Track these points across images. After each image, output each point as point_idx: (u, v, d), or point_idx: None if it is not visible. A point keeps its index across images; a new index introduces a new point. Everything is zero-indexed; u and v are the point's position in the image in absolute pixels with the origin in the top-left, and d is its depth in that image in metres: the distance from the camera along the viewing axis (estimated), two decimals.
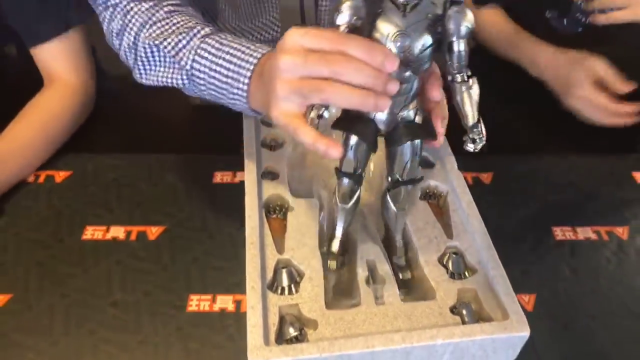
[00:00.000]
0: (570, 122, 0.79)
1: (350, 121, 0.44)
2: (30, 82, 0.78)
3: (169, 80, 0.58)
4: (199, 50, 0.54)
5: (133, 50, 0.59)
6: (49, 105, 0.75)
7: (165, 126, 0.82)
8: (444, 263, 0.51)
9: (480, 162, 0.71)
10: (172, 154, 0.75)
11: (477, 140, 0.43)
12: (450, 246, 0.52)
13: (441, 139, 0.48)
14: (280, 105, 0.42)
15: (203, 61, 0.54)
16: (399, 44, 0.39)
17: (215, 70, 0.54)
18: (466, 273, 0.50)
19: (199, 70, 0.55)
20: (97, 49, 0.86)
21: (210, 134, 0.80)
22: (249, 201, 0.54)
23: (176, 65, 0.57)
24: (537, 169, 0.74)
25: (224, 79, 0.53)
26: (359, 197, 0.49)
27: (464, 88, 0.43)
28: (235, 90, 0.53)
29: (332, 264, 0.52)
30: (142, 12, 0.59)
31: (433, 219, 0.54)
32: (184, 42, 0.56)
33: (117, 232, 0.64)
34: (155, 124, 0.83)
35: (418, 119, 0.46)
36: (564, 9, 0.83)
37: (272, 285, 0.48)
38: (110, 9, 0.60)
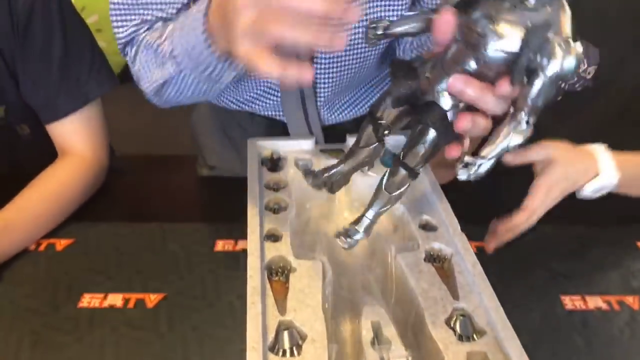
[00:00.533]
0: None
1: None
2: (44, 160, 0.79)
3: (162, 75, 0.63)
4: (170, 32, 0.61)
5: (137, 61, 0.66)
6: (61, 176, 0.76)
7: (170, 196, 0.83)
8: (452, 325, 0.49)
9: (484, 231, 0.71)
10: (175, 223, 0.75)
11: (473, 171, 0.42)
12: (457, 308, 0.51)
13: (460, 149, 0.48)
14: (241, 43, 0.42)
15: (175, 33, 0.60)
16: None
17: (182, 34, 0.58)
18: (475, 335, 0.48)
19: (176, 47, 0.59)
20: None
21: (214, 203, 0.80)
22: (251, 261, 0.53)
23: (165, 58, 0.62)
24: (543, 237, 0.73)
25: (188, 35, 0.56)
26: (404, 191, 0.51)
27: (512, 126, 0.41)
28: (197, 35, 0.55)
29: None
30: (148, 32, 0.67)
31: (438, 280, 0.53)
32: (166, 32, 0.62)
33: (115, 299, 0.63)
34: (160, 194, 0.83)
35: (451, 115, 0.45)
36: None
37: (274, 348, 0.46)
38: (134, 62, 0.69)
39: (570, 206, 0.68)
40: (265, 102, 0.83)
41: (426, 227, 0.61)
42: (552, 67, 0.38)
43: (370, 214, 0.52)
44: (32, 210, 0.71)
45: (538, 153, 0.67)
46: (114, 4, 0.67)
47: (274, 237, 0.58)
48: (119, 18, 0.67)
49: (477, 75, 0.43)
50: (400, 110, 0.50)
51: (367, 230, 0.52)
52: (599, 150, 0.68)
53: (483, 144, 0.43)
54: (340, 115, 0.86)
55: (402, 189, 0.51)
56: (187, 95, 0.67)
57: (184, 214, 0.78)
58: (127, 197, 0.83)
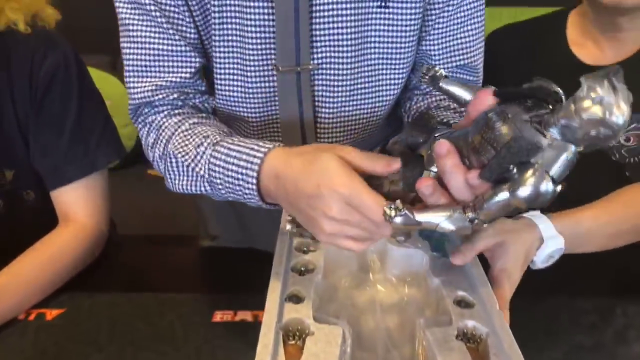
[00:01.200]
0: (597, 266, 0.76)
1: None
2: (47, 227, 0.78)
3: (194, 189, 0.63)
4: (211, 159, 0.60)
5: (163, 161, 0.66)
6: (58, 243, 0.75)
7: (169, 267, 0.81)
8: None
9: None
10: (172, 293, 0.72)
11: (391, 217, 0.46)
12: None
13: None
14: (325, 236, 0.52)
15: (216, 169, 0.59)
16: None
17: (227, 175, 0.58)
18: None
19: (215, 177, 0.60)
20: None
21: (214, 273, 0.78)
22: (266, 319, 0.50)
23: (197, 176, 0.62)
24: (561, 310, 0.69)
25: (236, 181, 0.58)
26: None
27: (454, 212, 0.45)
28: (247, 190, 0.58)
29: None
30: (171, 124, 0.66)
31: None
32: (200, 152, 0.61)
33: None
34: (158, 265, 0.82)
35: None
36: None
37: None
38: (148, 126, 0.68)
39: (590, 278, 0.65)
40: None
41: (462, 303, 0.57)
42: (521, 190, 0.39)
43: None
44: (25, 277, 0.68)
45: (485, 242, 0.64)
46: (127, 65, 0.69)
47: (295, 299, 0.55)
48: (132, 79, 0.69)
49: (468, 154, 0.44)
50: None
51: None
52: (538, 218, 0.67)
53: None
54: None
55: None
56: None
57: (183, 284, 0.76)
58: (124, 267, 0.81)
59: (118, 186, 0.93)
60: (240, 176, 0.57)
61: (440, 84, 0.50)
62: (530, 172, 0.39)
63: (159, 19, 0.65)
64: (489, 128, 0.41)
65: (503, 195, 0.41)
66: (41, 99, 0.76)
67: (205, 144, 0.61)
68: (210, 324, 0.66)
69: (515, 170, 0.40)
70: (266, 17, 0.65)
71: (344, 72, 0.70)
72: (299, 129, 0.74)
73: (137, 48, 0.67)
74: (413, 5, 0.67)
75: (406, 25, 0.69)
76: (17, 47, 0.76)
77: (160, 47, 0.67)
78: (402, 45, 0.70)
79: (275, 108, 0.73)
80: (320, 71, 0.69)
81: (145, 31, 0.66)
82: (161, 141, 0.66)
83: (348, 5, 0.65)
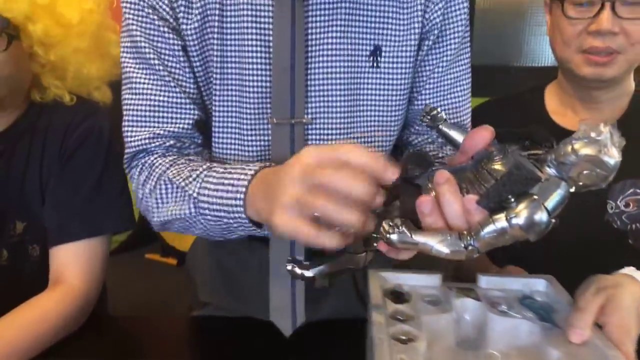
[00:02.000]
0: None
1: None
2: (45, 285, 0.79)
3: (178, 212, 0.65)
4: (204, 177, 0.63)
5: (152, 194, 0.68)
6: (44, 307, 0.74)
7: (159, 335, 0.80)
8: None
9: None
10: None
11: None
12: None
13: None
14: (282, 213, 0.48)
15: (207, 185, 0.62)
16: None
17: (218, 189, 0.61)
18: None
19: (204, 195, 0.62)
20: None
21: (205, 342, 0.78)
22: None
23: (185, 196, 0.64)
24: None
25: (225, 194, 0.60)
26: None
27: (451, 237, 0.46)
28: (236, 200, 0.59)
29: None
30: (166, 162, 0.69)
31: None
32: (194, 174, 0.65)
33: None
34: (148, 334, 0.81)
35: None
36: None
37: None
38: (140, 166, 0.71)
39: None
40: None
41: None
42: (518, 218, 0.43)
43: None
44: (6, 339, 0.68)
45: (595, 303, 0.60)
46: (127, 115, 0.71)
47: None
48: (130, 129, 0.71)
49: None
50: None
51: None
52: (634, 272, 0.66)
53: None
54: None
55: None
56: (192, 233, 0.69)
57: (172, 352, 0.75)
58: (112, 335, 0.80)
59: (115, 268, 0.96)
60: (230, 187, 0.60)
61: (440, 126, 0.53)
62: (527, 201, 0.43)
63: (161, 72, 0.69)
64: (489, 160, 0.46)
65: (500, 223, 0.44)
66: (67, 159, 0.82)
67: (200, 168, 0.65)
68: None
69: (513, 200, 0.44)
70: (264, 71, 0.69)
71: (337, 127, 0.72)
72: None
73: (138, 98, 0.71)
74: (403, 66, 0.72)
75: (397, 85, 0.72)
76: (57, 112, 0.83)
77: (161, 98, 0.70)
78: (393, 103, 0.73)
79: (268, 161, 0.75)
80: (313, 125, 0.71)
81: (147, 82, 0.70)
82: (153, 176, 0.68)
83: (342, 63, 0.69)
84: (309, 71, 0.69)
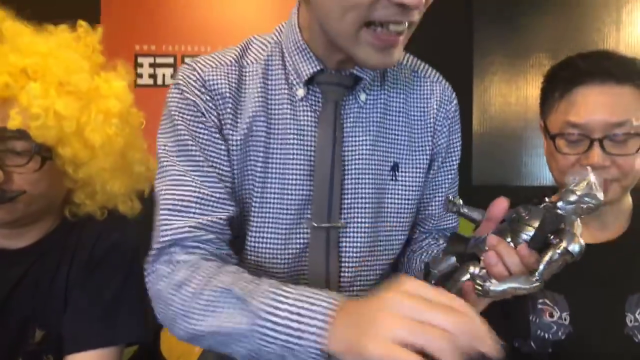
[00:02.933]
0: None
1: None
2: None
3: (231, 325, 0.60)
4: (271, 295, 0.59)
5: (197, 298, 0.64)
6: None
7: None
8: None
9: None
10: None
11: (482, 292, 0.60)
12: None
13: None
14: (382, 337, 0.48)
15: (275, 303, 0.58)
16: None
17: (289, 310, 0.57)
18: None
19: (269, 313, 0.58)
20: None
21: None
22: None
23: (244, 308, 0.60)
24: None
25: (297, 318, 0.56)
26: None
27: (523, 277, 0.61)
28: (312, 328, 0.55)
29: None
30: (212, 265, 0.68)
31: None
32: (255, 287, 0.62)
33: None
34: None
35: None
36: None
37: None
38: (174, 264, 0.69)
39: None
40: None
41: None
42: (572, 246, 0.58)
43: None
44: None
45: None
46: (166, 204, 0.72)
47: None
48: (168, 218, 0.71)
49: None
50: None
51: None
52: None
53: None
54: None
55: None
56: (230, 350, 0.64)
57: None
58: None
59: None
60: (306, 311, 0.56)
61: (461, 209, 0.71)
62: (567, 235, 0.59)
63: (205, 168, 0.74)
64: (520, 217, 0.63)
65: (555, 255, 0.59)
66: (93, 270, 0.86)
67: (261, 282, 0.63)
68: None
69: (552, 237, 0.60)
70: (305, 181, 0.77)
71: (365, 231, 0.80)
72: (323, 282, 0.79)
73: (179, 189, 0.72)
74: (416, 180, 0.84)
75: (411, 195, 0.84)
76: (88, 225, 0.89)
77: (203, 190, 0.73)
78: (408, 210, 0.85)
79: (303, 261, 0.79)
80: (346, 229, 0.79)
81: (189, 175, 0.73)
82: (199, 278, 0.66)
83: (370, 176, 0.80)
84: (344, 181, 0.79)
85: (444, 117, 0.85)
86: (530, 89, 2.48)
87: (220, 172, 0.75)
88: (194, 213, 0.72)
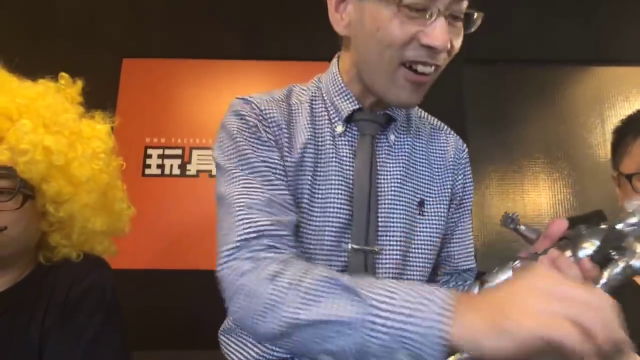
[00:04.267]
0: None
1: None
2: None
3: (339, 311, 0.58)
4: (380, 285, 0.59)
5: (294, 289, 0.62)
6: None
7: None
8: None
9: None
10: None
11: None
12: None
13: None
14: (535, 311, 0.49)
15: (388, 293, 0.57)
16: None
17: (405, 299, 0.56)
18: None
19: (383, 302, 0.57)
20: None
21: None
22: None
23: (353, 297, 0.58)
24: None
25: (416, 306, 0.55)
26: None
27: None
28: (433, 315, 0.54)
29: None
30: (302, 262, 0.70)
31: None
32: (360, 280, 0.61)
33: None
34: None
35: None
36: None
37: None
38: (257, 261, 0.69)
39: None
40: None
41: None
42: (635, 262, 0.61)
43: None
44: None
45: None
46: (242, 203, 0.75)
47: None
48: (247, 214, 0.74)
49: None
50: None
51: None
52: None
53: None
54: None
55: None
56: (320, 348, 0.61)
57: None
58: None
59: None
60: (423, 299, 0.55)
61: (518, 227, 0.74)
62: (630, 251, 0.61)
63: (270, 177, 0.80)
64: (580, 234, 0.66)
65: (617, 268, 0.61)
66: (71, 310, 0.85)
67: (368, 278, 0.62)
68: None
69: (614, 253, 0.63)
70: (344, 207, 0.84)
71: (396, 258, 0.86)
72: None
73: (251, 192, 0.77)
74: (440, 216, 0.94)
75: (436, 229, 0.93)
76: (63, 268, 0.89)
77: (273, 193, 0.78)
78: (433, 242, 0.93)
79: None
80: (380, 255, 0.85)
81: (257, 181, 0.79)
82: (292, 271, 0.65)
83: (400, 210, 0.88)
84: (377, 210, 0.86)
85: (459, 162, 0.98)
86: (527, 194, 2.50)
87: (283, 183, 0.81)
88: (270, 212, 0.76)
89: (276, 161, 0.82)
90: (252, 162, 0.80)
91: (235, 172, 0.80)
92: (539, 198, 2.48)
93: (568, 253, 0.66)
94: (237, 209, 0.75)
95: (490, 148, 2.52)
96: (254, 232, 0.73)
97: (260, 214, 0.75)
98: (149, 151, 2.35)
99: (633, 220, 0.64)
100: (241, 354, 0.87)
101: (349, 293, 0.59)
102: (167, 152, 2.37)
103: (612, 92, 2.55)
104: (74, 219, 0.88)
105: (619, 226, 0.65)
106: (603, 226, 0.66)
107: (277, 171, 0.82)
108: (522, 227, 0.73)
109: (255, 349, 0.85)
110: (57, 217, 0.87)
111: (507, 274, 0.70)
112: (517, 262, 0.70)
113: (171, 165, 2.36)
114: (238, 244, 0.72)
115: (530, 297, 0.50)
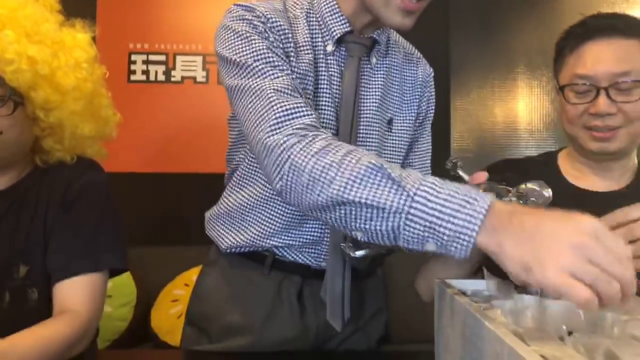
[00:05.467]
0: None
1: None
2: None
3: (381, 198, 0.63)
4: (423, 181, 0.63)
5: (341, 167, 0.66)
6: (54, 327, 0.84)
7: None
8: None
9: None
10: None
11: None
12: None
13: None
14: (560, 267, 0.52)
15: (430, 189, 0.62)
16: None
17: (444, 197, 0.60)
18: None
19: (424, 196, 0.61)
20: None
21: None
22: None
23: (398, 187, 0.63)
24: None
25: (453, 201, 0.60)
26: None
27: None
28: (466, 215, 0.59)
29: None
30: (345, 144, 0.73)
31: None
32: (408, 172, 0.66)
33: None
34: None
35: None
36: None
37: None
38: (311, 137, 0.72)
39: None
40: (313, 249, 0.96)
41: None
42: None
43: None
44: (20, 350, 0.77)
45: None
46: (273, 90, 0.78)
47: None
48: (282, 96, 0.77)
49: None
50: None
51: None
52: None
53: None
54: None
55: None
56: (348, 224, 0.67)
57: None
58: None
59: None
60: (468, 200, 0.59)
61: (458, 170, 0.81)
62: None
63: (292, 74, 0.85)
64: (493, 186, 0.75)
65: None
66: (70, 205, 0.94)
67: (407, 170, 0.67)
68: None
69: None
70: (332, 118, 0.92)
71: None
72: None
73: (275, 81, 0.80)
74: (405, 134, 1.03)
75: (401, 145, 1.02)
76: (59, 170, 0.98)
77: (295, 82, 0.83)
78: (400, 157, 1.03)
79: None
80: None
81: (279, 69, 0.82)
82: (338, 149, 0.69)
83: (376, 125, 0.96)
84: (360, 125, 0.94)
85: (426, 85, 1.06)
86: (505, 103, 2.56)
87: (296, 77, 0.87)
88: (299, 96, 0.79)
89: (287, 60, 0.86)
90: (269, 57, 0.83)
91: (253, 64, 0.82)
92: (517, 106, 2.56)
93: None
94: (269, 93, 0.77)
95: (472, 56, 2.55)
96: (292, 110, 0.75)
97: (292, 97, 0.78)
98: (133, 57, 2.36)
99: (523, 189, 0.72)
100: (231, 237, 0.98)
101: (394, 183, 0.63)
102: (152, 57, 2.38)
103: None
104: (64, 126, 0.94)
105: (513, 199, 0.72)
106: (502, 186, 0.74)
107: (291, 67, 0.86)
108: (460, 171, 0.81)
109: (244, 234, 0.96)
110: (47, 123, 0.93)
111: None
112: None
113: (156, 72, 2.38)
114: (279, 120, 0.74)
115: (566, 251, 0.52)
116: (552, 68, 1.04)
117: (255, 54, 0.83)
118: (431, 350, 0.73)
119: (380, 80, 0.97)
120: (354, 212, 0.66)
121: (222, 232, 0.99)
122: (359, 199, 0.64)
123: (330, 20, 0.92)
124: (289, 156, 0.71)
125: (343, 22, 0.91)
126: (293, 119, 0.75)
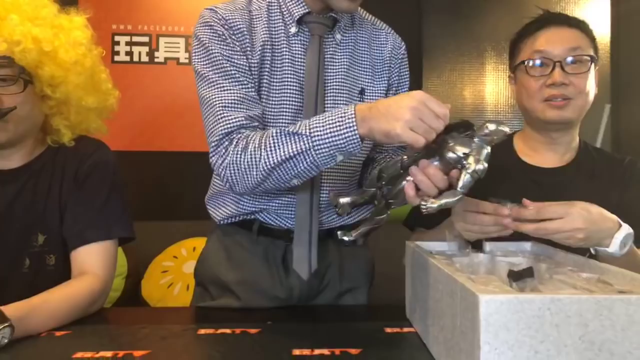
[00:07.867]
0: None
1: None
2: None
3: (290, 151, 0.86)
4: (309, 122, 0.86)
5: (259, 148, 0.89)
6: (78, 286, 0.97)
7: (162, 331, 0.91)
8: None
9: None
10: None
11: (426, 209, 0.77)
12: None
13: None
14: (405, 125, 0.76)
15: (316, 124, 0.85)
16: None
17: (326, 123, 0.84)
18: None
19: (315, 129, 0.84)
20: None
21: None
22: None
23: (296, 137, 0.86)
24: None
25: (335, 123, 0.83)
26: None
27: (451, 191, 0.79)
28: (348, 125, 0.82)
29: None
30: (259, 132, 0.93)
31: None
32: (297, 125, 0.88)
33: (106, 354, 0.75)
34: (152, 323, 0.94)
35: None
36: None
37: None
38: (235, 140, 0.93)
39: None
40: (289, 211, 1.08)
41: None
42: (477, 167, 0.76)
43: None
44: (52, 304, 0.89)
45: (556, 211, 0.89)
46: (218, 104, 0.95)
47: None
48: (225, 113, 0.94)
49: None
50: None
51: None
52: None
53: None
54: (333, 222, 1.12)
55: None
56: (289, 175, 0.89)
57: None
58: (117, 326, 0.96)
59: None
60: (339, 117, 0.83)
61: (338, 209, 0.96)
62: (473, 158, 0.76)
63: (240, 78, 0.98)
64: (447, 143, 0.79)
65: (468, 174, 0.76)
66: (83, 181, 1.06)
67: (299, 123, 0.88)
68: None
69: (465, 161, 0.76)
70: (297, 95, 1.03)
71: None
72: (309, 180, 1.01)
73: (224, 92, 0.96)
74: (377, 98, 1.11)
75: None
76: (71, 149, 1.09)
77: (242, 92, 0.97)
78: None
79: None
80: None
81: (229, 82, 0.97)
82: (255, 137, 0.90)
83: (344, 97, 1.06)
84: (325, 100, 1.04)
85: (396, 57, 1.15)
86: (474, 84, 2.71)
87: (250, 81, 0.99)
88: (242, 108, 0.96)
89: (243, 63, 0.98)
90: (223, 66, 0.97)
91: (210, 77, 0.97)
92: (485, 88, 2.71)
93: (434, 159, 0.80)
94: (217, 109, 0.95)
95: (443, 40, 2.68)
96: (232, 126, 0.94)
97: (235, 111, 0.95)
98: (117, 38, 2.42)
99: (486, 131, 0.77)
100: (222, 210, 1.12)
101: (295, 135, 0.87)
102: (135, 39, 2.44)
103: None
104: (69, 99, 1.04)
105: (476, 138, 0.78)
106: (462, 135, 0.79)
107: (244, 71, 0.98)
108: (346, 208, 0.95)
109: (230, 206, 1.11)
110: (55, 99, 1.03)
111: (395, 167, 0.88)
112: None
113: (139, 52, 2.44)
114: (220, 136, 0.94)
115: (406, 113, 0.77)
116: (508, 68, 1.21)
117: (211, 64, 0.98)
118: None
119: (347, 54, 1.08)
120: (282, 169, 0.88)
121: (215, 208, 1.13)
122: (280, 158, 0.87)
123: (290, 4, 1.04)
124: (229, 160, 0.93)
125: (301, 4, 1.03)
126: (232, 132, 0.94)
